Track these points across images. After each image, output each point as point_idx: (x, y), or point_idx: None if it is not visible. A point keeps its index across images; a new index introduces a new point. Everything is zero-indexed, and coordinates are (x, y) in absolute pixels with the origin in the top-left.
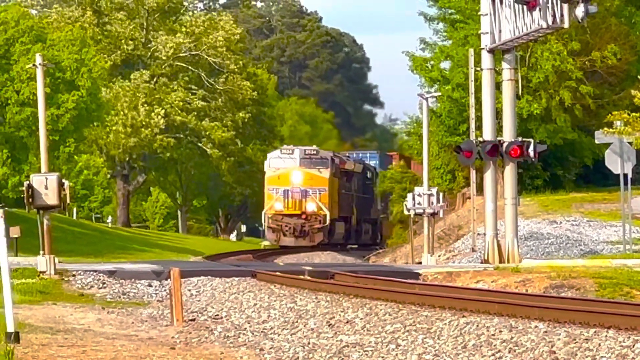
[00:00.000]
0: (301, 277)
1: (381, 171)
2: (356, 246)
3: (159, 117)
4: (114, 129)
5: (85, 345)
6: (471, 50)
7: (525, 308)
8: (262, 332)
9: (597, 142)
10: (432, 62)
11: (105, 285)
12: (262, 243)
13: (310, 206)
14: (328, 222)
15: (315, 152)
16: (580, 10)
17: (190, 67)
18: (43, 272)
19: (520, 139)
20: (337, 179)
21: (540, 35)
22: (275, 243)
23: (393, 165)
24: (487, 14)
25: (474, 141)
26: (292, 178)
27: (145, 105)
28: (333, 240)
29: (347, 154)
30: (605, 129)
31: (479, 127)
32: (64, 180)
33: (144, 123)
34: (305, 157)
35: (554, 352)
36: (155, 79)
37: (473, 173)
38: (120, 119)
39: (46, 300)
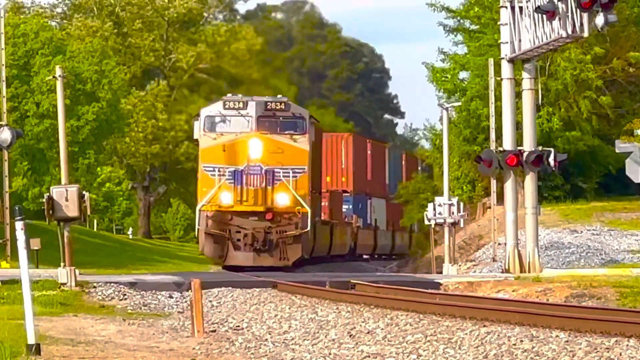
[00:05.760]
0: (322, 287)
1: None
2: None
3: (182, 122)
4: (133, 135)
5: (106, 356)
6: (491, 60)
7: (546, 317)
8: (283, 342)
9: (617, 151)
10: (447, 75)
11: (126, 297)
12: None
13: (282, 199)
14: (309, 226)
15: (284, 105)
16: (600, 20)
17: (211, 79)
18: (64, 284)
19: (540, 148)
20: (314, 153)
21: (560, 44)
22: (218, 259)
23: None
24: (506, 24)
25: (494, 151)
26: (249, 150)
27: (164, 112)
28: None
29: None
30: (626, 136)
31: (498, 137)
32: (84, 192)
33: (167, 127)
34: (267, 113)
35: None
36: (175, 91)
37: (493, 183)
38: (142, 127)
39: (67, 312)
